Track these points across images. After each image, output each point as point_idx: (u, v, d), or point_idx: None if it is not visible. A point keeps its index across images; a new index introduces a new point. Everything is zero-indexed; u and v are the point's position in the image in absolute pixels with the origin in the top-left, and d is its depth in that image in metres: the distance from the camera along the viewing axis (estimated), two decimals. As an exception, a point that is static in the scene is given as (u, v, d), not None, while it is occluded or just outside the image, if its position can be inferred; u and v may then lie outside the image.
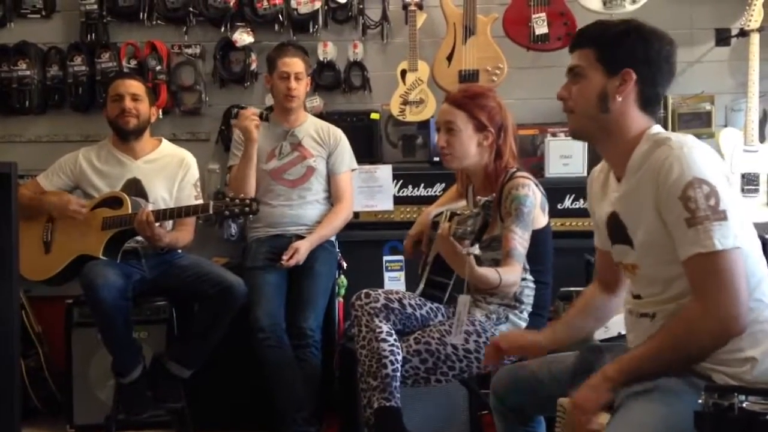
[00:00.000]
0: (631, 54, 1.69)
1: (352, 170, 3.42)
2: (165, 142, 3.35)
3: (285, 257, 3.11)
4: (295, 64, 3.28)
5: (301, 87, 3.30)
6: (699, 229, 1.55)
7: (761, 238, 1.73)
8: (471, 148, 2.44)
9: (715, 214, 1.54)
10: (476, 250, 2.08)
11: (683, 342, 1.58)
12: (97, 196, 3.13)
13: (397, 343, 2.34)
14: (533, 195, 2.35)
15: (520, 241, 2.28)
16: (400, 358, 2.31)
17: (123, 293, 2.89)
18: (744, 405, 1.36)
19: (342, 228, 3.36)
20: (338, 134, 3.40)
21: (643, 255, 1.70)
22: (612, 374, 1.63)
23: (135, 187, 3.16)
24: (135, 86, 3.21)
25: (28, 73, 3.81)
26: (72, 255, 3.04)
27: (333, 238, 3.37)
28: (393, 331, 2.36)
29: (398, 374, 2.30)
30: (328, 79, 3.87)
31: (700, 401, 1.41)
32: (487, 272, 2.18)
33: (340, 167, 3.36)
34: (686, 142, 1.63)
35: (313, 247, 3.20)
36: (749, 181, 3.53)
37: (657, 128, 1.72)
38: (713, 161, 1.62)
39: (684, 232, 1.57)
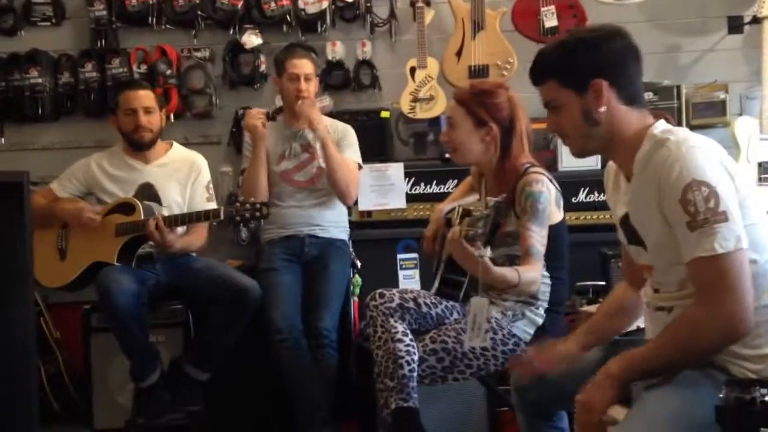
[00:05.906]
0: (589, 65, 1.68)
1: (359, 166, 3.34)
2: (176, 145, 3.36)
3: None
4: (303, 66, 3.25)
5: (311, 88, 3.26)
6: (700, 232, 1.53)
7: None
8: (472, 143, 2.44)
9: (715, 216, 1.52)
10: (488, 252, 2.04)
11: (688, 344, 1.57)
12: (110, 201, 3.14)
13: (413, 343, 2.33)
14: (548, 191, 2.33)
15: (537, 238, 2.25)
16: (416, 357, 2.30)
17: (138, 299, 2.90)
18: (766, 398, 1.34)
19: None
20: (346, 128, 3.36)
21: (656, 257, 1.69)
22: (616, 371, 1.61)
23: (148, 192, 3.17)
24: (147, 98, 3.20)
25: (39, 80, 3.83)
26: (87, 262, 3.06)
27: (346, 237, 3.36)
28: (408, 331, 2.35)
29: (415, 374, 2.29)
30: (337, 79, 3.87)
31: (721, 395, 1.40)
32: (505, 271, 2.14)
33: (344, 152, 3.26)
34: (686, 140, 1.60)
35: None
36: (766, 170, 3.49)
37: (659, 126, 1.68)
38: (715, 159, 1.58)
39: (686, 235, 1.55)
